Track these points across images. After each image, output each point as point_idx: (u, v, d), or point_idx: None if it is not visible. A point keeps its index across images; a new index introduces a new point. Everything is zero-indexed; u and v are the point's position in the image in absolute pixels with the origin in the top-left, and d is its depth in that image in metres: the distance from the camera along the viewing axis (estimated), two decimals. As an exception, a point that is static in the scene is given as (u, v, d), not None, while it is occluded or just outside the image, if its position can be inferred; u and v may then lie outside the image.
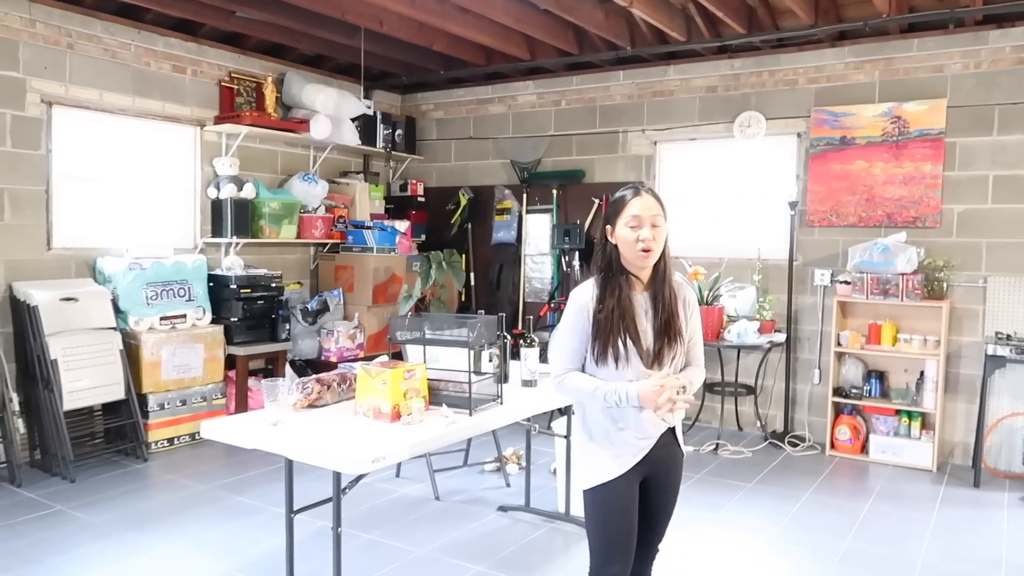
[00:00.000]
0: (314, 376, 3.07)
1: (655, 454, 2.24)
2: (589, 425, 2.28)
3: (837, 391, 5.38)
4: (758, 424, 5.81)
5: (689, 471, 4.91)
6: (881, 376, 5.35)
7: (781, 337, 5.57)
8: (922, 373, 5.14)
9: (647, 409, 2.16)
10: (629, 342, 2.17)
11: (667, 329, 2.20)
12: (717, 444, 5.42)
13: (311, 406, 2.98)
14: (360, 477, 2.59)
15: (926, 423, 5.16)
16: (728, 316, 5.58)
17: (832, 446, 5.34)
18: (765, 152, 5.85)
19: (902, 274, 5.04)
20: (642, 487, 2.27)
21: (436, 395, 3.01)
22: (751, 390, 5.82)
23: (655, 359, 2.19)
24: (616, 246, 2.22)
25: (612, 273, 2.22)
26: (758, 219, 5.88)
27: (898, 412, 5.21)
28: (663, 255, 2.24)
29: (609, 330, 2.18)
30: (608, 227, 2.26)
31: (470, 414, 2.89)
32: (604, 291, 2.22)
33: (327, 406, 3.02)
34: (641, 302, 2.22)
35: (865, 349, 5.28)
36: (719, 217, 6.05)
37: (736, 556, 3.68)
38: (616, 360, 2.18)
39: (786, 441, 5.51)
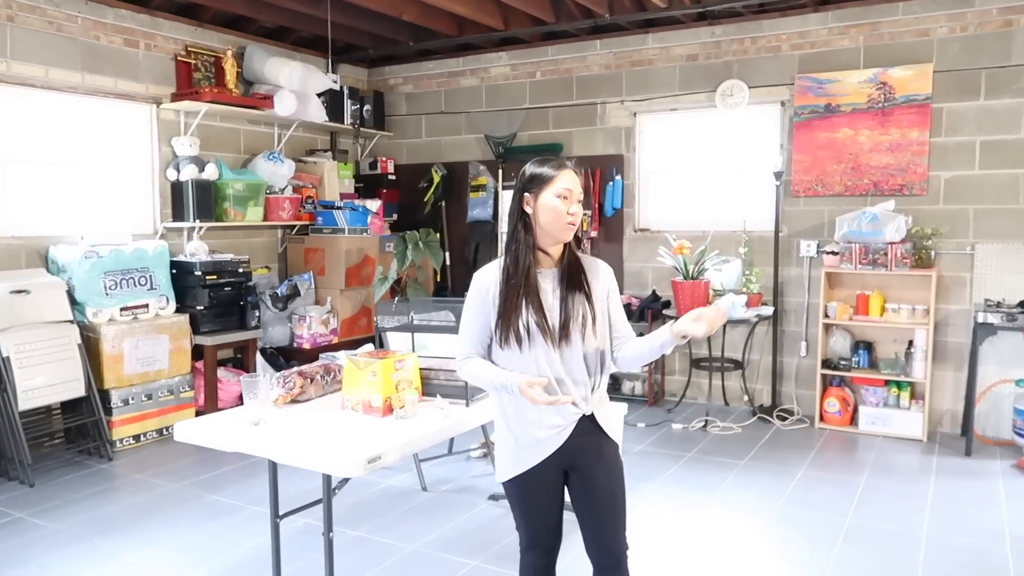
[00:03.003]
0: (296, 368, 2.85)
1: (573, 443, 2.11)
2: (500, 414, 2.17)
3: (825, 363, 5.30)
4: (745, 399, 5.72)
5: (680, 449, 4.81)
6: (869, 347, 5.28)
7: (768, 310, 5.47)
8: (911, 343, 5.08)
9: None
10: (532, 322, 2.05)
11: (575, 304, 2.08)
12: (706, 421, 5.32)
13: (294, 401, 2.76)
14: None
15: (915, 393, 5.11)
16: (714, 290, 5.45)
17: (821, 419, 5.27)
18: (748, 122, 5.70)
19: (890, 243, 4.95)
20: (571, 479, 2.17)
21: (429, 385, 2.81)
22: (738, 364, 5.72)
23: (562, 338, 2.06)
24: (528, 221, 2.10)
25: (521, 249, 2.10)
26: (742, 191, 5.75)
27: (887, 383, 5.15)
28: (578, 234, 2.17)
29: (513, 308, 2.06)
30: (526, 195, 2.11)
31: (467, 404, 2.70)
32: (511, 268, 2.10)
33: (310, 401, 2.80)
34: (548, 278, 2.12)
35: (853, 320, 5.20)
36: (703, 189, 5.90)
37: (737, 537, 3.57)
38: (519, 342, 2.06)
39: (774, 415, 5.43)
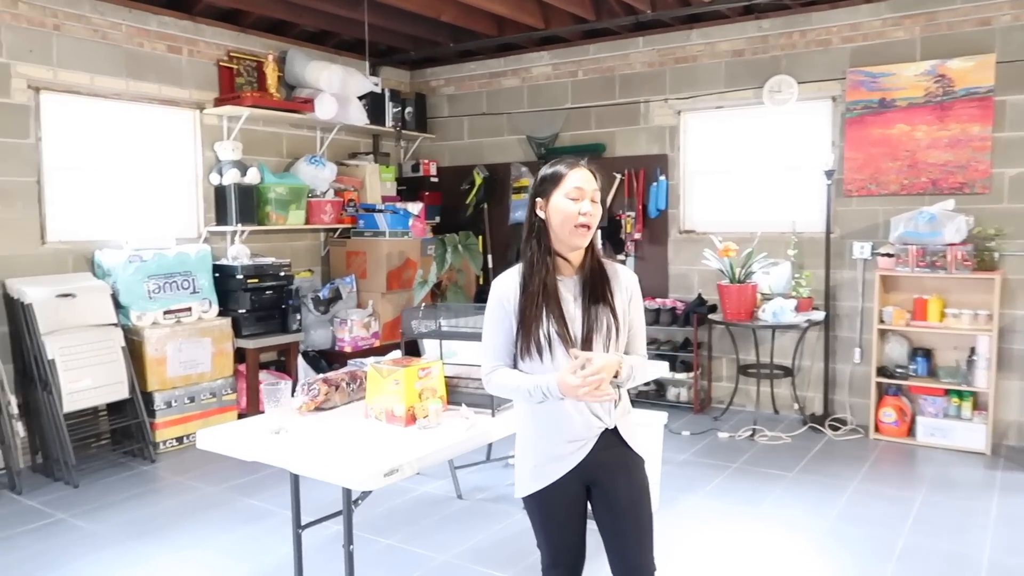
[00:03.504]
0: (320, 376, 2.80)
1: (594, 458, 2.01)
2: (520, 427, 2.11)
3: (881, 371, 5.05)
4: (796, 407, 5.50)
5: (725, 459, 4.63)
6: (928, 354, 5.02)
7: (819, 315, 5.24)
8: (972, 350, 4.81)
9: (576, 408, 1.98)
10: (553, 331, 1.95)
11: (599, 315, 1.98)
12: (753, 430, 5.13)
13: (318, 409, 2.72)
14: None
15: (978, 403, 4.83)
16: (762, 294, 5.26)
17: (876, 429, 5.03)
18: (797, 119, 5.48)
19: (950, 245, 4.69)
20: (593, 495, 2.07)
21: (455, 394, 2.73)
22: (788, 371, 5.50)
23: (584, 349, 1.95)
24: (544, 224, 2.01)
25: (539, 255, 2.01)
26: (791, 190, 5.53)
27: (947, 392, 4.88)
28: (594, 240, 2.04)
29: (533, 317, 1.97)
30: (538, 200, 2.02)
31: (492, 414, 2.61)
32: (528, 276, 2.01)
33: (335, 408, 2.75)
34: (570, 287, 2.02)
35: (910, 326, 4.95)
36: (750, 190, 5.70)
37: (782, 555, 3.40)
38: (540, 352, 1.97)
39: (826, 425, 5.20)
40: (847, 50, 5.22)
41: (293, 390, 2.83)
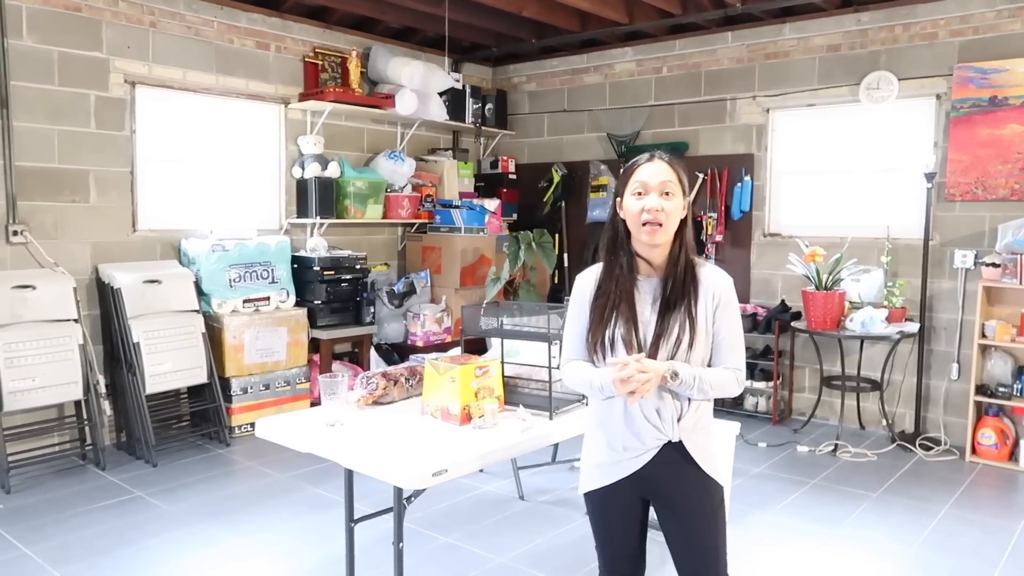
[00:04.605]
0: (380, 370, 2.79)
1: (652, 471, 1.91)
2: (588, 424, 2.07)
3: (980, 389, 4.70)
4: (884, 423, 5.17)
5: (804, 475, 4.40)
6: (1035, 373, 4.64)
7: (913, 327, 4.91)
8: (1087, 371, 4.41)
9: (638, 413, 1.89)
10: (619, 334, 1.89)
11: (671, 320, 1.88)
12: (836, 444, 4.85)
13: (376, 403, 2.70)
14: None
15: (1091, 429, 4.43)
16: (850, 302, 4.97)
17: (973, 451, 4.67)
18: (896, 117, 5.16)
19: (1065, 255, 4.31)
20: (657, 509, 1.99)
21: (514, 393, 2.67)
22: (876, 385, 5.18)
23: (650, 355, 1.86)
24: (624, 222, 1.94)
25: (616, 255, 1.95)
26: (887, 193, 5.21)
27: (1056, 415, 4.49)
28: (682, 239, 1.93)
29: (601, 318, 1.92)
30: (617, 199, 1.95)
31: (550, 417, 2.53)
32: (605, 275, 1.96)
33: (393, 403, 2.73)
34: (649, 288, 1.93)
35: (1016, 342, 4.57)
36: (841, 192, 5.41)
37: (862, 583, 3.18)
38: (603, 354, 1.91)
39: (917, 444, 4.87)
40: (955, 44, 4.87)
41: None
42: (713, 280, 1.94)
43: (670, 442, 1.91)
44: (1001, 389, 4.66)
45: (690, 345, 1.87)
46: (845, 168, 5.38)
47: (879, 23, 5.12)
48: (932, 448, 4.84)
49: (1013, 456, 4.60)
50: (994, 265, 4.60)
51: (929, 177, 4.81)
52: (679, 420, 1.91)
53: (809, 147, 5.54)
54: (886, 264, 5.05)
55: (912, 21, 5.00)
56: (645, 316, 1.90)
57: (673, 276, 1.91)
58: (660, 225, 1.87)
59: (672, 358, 1.86)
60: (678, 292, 1.89)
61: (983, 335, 4.64)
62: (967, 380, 4.79)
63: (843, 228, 5.27)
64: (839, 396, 5.23)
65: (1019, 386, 4.62)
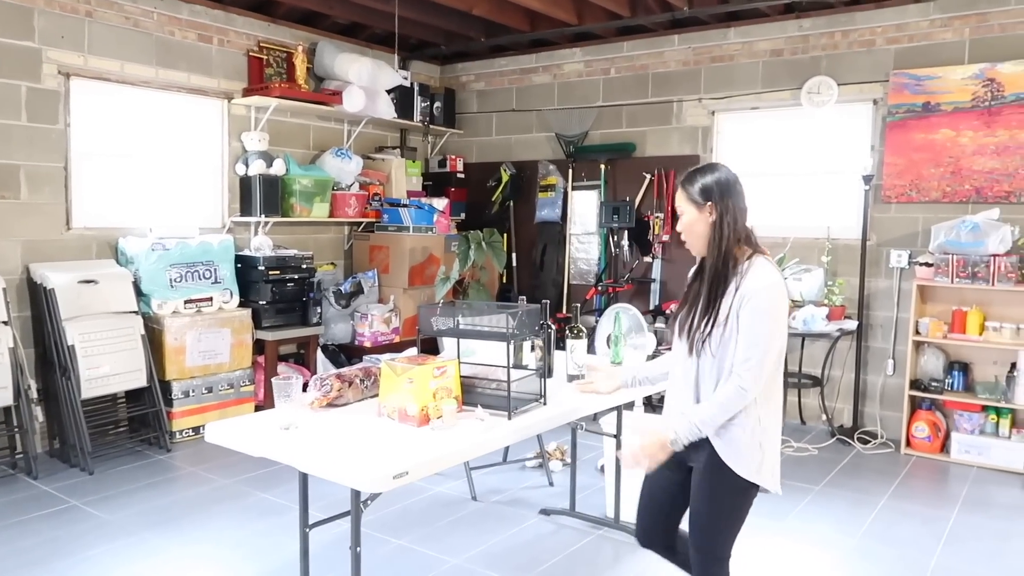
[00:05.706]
0: (334, 371, 2.73)
1: (691, 448, 2.17)
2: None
3: (914, 384, 4.88)
4: (824, 418, 5.33)
5: (750, 471, 4.49)
6: (965, 368, 4.84)
7: (852, 324, 5.07)
8: (1013, 365, 4.62)
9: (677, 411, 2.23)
10: (678, 317, 2.26)
11: (698, 314, 2.17)
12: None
13: (330, 405, 2.65)
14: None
15: (1017, 421, 4.64)
16: (793, 301, 5.10)
17: (908, 444, 4.85)
18: (836, 121, 5.32)
19: (993, 255, 4.51)
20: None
21: (470, 394, 2.64)
22: (817, 381, 5.34)
23: (691, 347, 2.17)
24: None
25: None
26: (827, 195, 5.37)
27: (984, 408, 4.69)
28: (717, 242, 2.15)
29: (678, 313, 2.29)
30: None
31: (509, 417, 2.52)
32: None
33: (348, 405, 2.68)
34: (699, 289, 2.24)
35: (947, 338, 4.77)
36: (783, 193, 5.55)
37: (807, 572, 3.27)
38: (669, 341, 2.31)
39: (855, 437, 5.04)
40: (891, 51, 5.04)
41: (306, 385, 2.76)
42: (746, 280, 2.10)
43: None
44: (934, 384, 4.85)
45: (709, 334, 2.11)
46: (787, 170, 5.53)
47: (820, 29, 5.27)
48: (869, 442, 5.01)
49: (944, 448, 4.79)
50: (927, 264, 4.78)
51: (866, 179, 4.98)
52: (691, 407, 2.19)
53: (753, 149, 5.67)
54: (826, 264, 5.20)
55: (851, 28, 5.16)
56: (694, 312, 2.22)
57: (709, 275, 2.16)
58: (686, 242, 2.26)
59: (691, 349, 2.16)
60: (708, 289, 2.15)
61: (917, 332, 4.82)
62: (902, 375, 4.97)
63: (785, 229, 5.41)
64: (782, 393, 5.35)
65: (950, 381, 4.82)
